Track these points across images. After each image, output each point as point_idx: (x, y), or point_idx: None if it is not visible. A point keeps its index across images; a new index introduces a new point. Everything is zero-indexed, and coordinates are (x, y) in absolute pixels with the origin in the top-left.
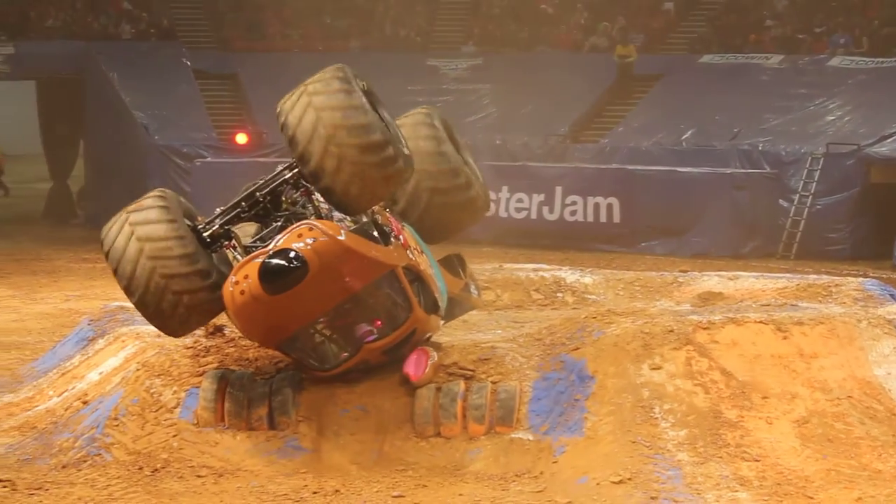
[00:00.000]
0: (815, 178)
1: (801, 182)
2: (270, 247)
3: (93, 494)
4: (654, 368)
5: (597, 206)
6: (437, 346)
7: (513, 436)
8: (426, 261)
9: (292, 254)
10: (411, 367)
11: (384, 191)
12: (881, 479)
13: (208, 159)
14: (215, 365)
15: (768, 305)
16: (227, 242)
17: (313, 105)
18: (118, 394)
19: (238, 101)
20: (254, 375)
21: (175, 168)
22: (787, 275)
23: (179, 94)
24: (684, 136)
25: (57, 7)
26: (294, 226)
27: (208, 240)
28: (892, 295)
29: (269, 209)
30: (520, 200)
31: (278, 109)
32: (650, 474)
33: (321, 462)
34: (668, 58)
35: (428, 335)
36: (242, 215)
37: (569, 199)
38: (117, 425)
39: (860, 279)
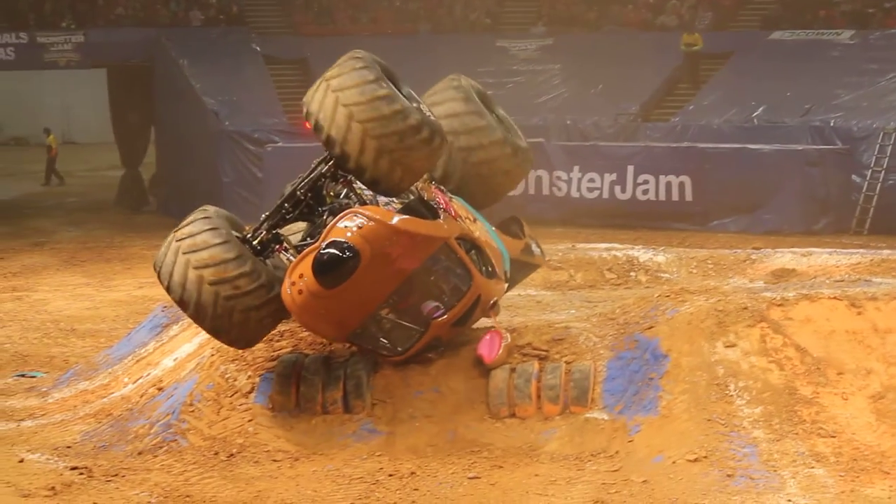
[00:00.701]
0: (888, 154)
1: (874, 157)
2: (319, 241)
3: (169, 480)
4: (728, 346)
5: (668, 184)
6: (511, 328)
7: (587, 415)
8: (481, 227)
9: (343, 244)
10: (485, 348)
11: (425, 169)
12: None
13: (280, 144)
14: (289, 349)
15: (842, 281)
16: (277, 246)
17: (342, 102)
18: (193, 379)
19: (308, 86)
20: (328, 359)
21: (246, 153)
22: (861, 250)
23: (249, 80)
24: (755, 114)
25: None
26: (338, 217)
27: (259, 247)
28: None
29: (312, 205)
30: (591, 180)
31: (305, 110)
32: (725, 452)
33: (396, 444)
34: (737, 35)
35: (494, 300)
36: (287, 217)
37: (641, 178)
38: (192, 411)
39: None
